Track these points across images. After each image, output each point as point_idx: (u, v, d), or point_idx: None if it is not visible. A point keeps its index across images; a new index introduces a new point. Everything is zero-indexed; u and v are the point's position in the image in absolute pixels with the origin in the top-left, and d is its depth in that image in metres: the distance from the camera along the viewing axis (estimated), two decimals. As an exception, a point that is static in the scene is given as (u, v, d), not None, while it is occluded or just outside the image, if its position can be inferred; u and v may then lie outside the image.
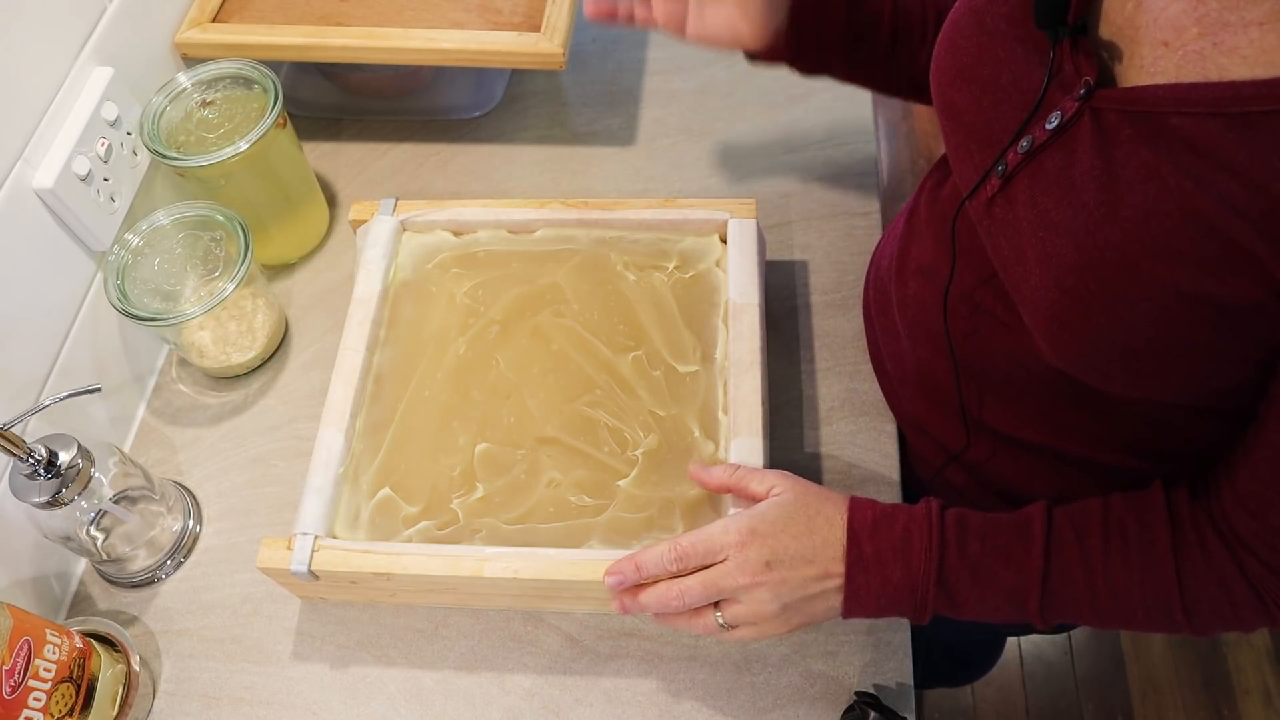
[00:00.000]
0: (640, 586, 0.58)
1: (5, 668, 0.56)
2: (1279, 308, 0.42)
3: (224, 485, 0.77)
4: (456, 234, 0.80)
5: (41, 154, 0.69)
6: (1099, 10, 0.48)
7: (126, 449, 0.78)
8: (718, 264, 0.76)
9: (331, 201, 0.92)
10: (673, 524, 0.65)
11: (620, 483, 0.67)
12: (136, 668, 0.67)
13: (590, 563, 0.62)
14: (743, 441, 0.65)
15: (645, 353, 0.72)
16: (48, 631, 0.60)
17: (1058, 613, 0.54)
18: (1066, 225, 0.47)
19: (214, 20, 0.87)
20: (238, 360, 0.80)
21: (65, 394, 0.64)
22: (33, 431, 0.65)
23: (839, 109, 0.93)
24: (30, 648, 0.58)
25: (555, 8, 0.86)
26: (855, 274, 0.82)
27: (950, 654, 1.15)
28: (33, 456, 0.61)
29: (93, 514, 0.66)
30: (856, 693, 0.62)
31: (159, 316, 0.71)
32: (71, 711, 0.61)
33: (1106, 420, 0.58)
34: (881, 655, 0.65)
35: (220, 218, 0.76)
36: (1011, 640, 1.55)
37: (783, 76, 0.97)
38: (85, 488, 0.63)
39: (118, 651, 0.67)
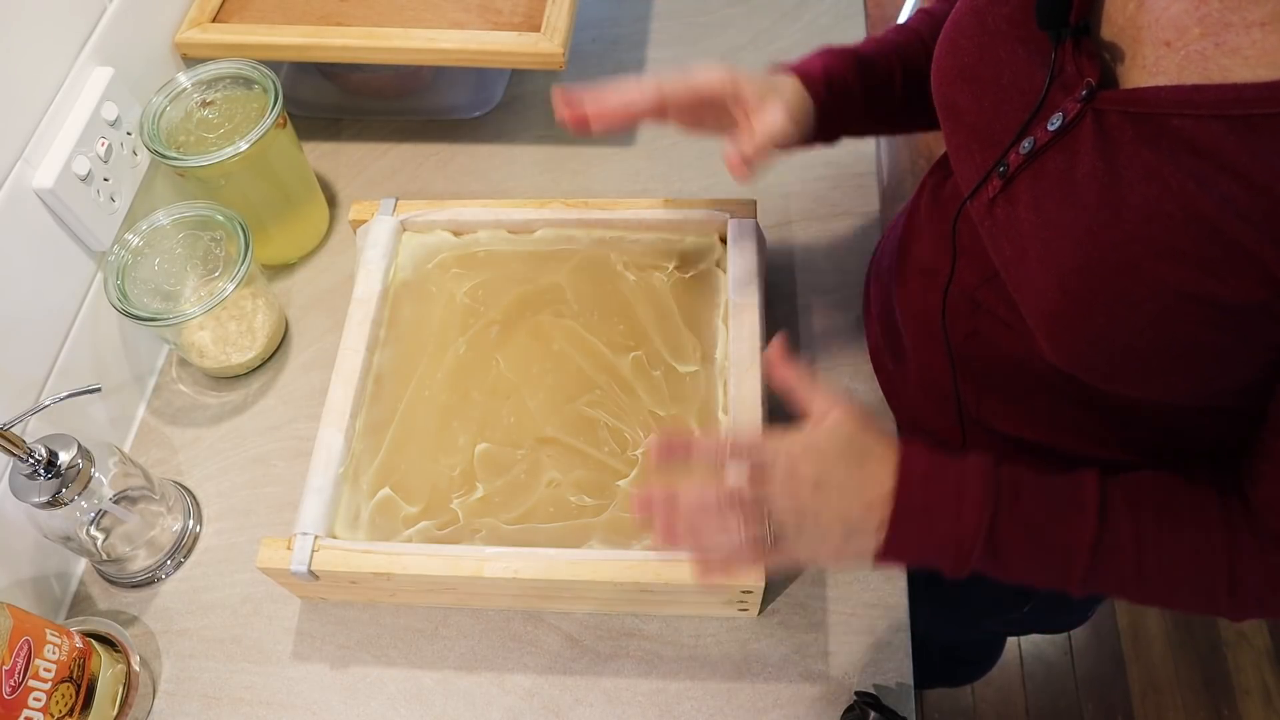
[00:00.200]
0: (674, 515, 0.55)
1: (5, 668, 0.56)
2: None
3: (224, 485, 0.77)
4: (456, 234, 0.80)
5: (41, 154, 0.69)
6: (1100, 11, 0.48)
7: (126, 449, 0.78)
8: (718, 264, 0.76)
9: (331, 201, 0.92)
10: (673, 524, 0.65)
11: (620, 483, 0.67)
12: (136, 668, 0.67)
13: (590, 563, 0.62)
14: (743, 441, 0.65)
15: (645, 353, 0.72)
16: (48, 631, 0.60)
17: (1100, 582, 0.52)
18: (1068, 226, 0.47)
19: (214, 20, 0.87)
20: (238, 360, 0.80)
21: (65, 394, 0.64)
22: (33, 431, 0.65)
23: (839, 109, 0.93)
24: (30, 648, 0.58)
25: (555, 8, 0.86)
26: (855, 274, 0.82)
27: (950, 654, 1.15)
28: (33, 456, 0.61)
29: (93, 514, 0.66)
30: (856, 693, 0.62)
31: (159, 316, 0.71)
32: (71, 711, 0.61)
33: (1107, 419, 0.58)
34: (881, 655, 0.65)
35: (220, 218, 0.76)
36: (1011, 640, 1.56)
37: (783, 76, 0.97)
38: (85, 488, 0.63)
39: (118, 651, 0.67)
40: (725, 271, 0.74)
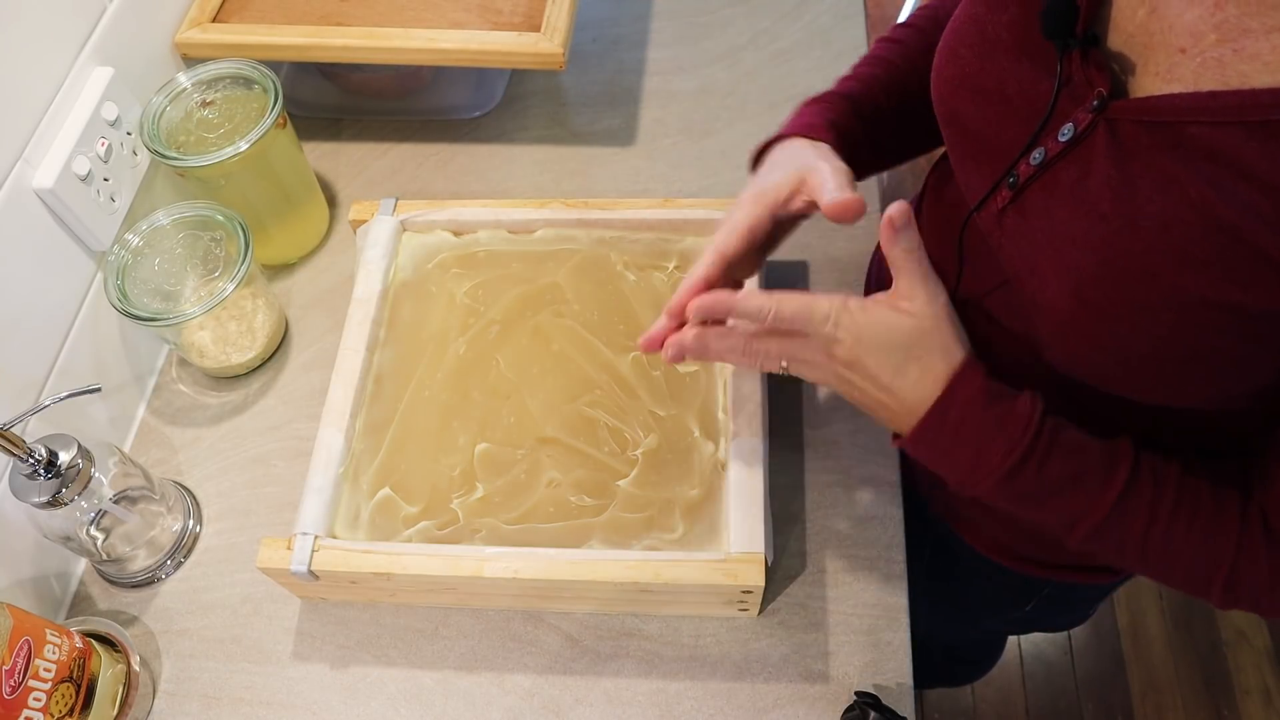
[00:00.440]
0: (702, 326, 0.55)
1: (5, 668, 0.56)
2: None
3: (224, 485, 0.77)
4: (456, 234, 0.80)
5: (41, 154, 0.69)
6: (1107, 19, 0.47)
7: (126, 449, 0.78)
8: (718, 264, 0.76)
9: (331, 201, 0.92)
10: (673, 524, 0.65)
11: (620, 483, 0.67)
12: (136, 668, 0.67)
13: (590, 563, 0.62)
14: (743, 441, 0.65)
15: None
16: (48, 631, 0.60)
17: (1098, 546, 0.53)
18: (1084, 236, 0.46)
19: (214, 20, 0.87)
20: (238, 360, 0.80)
21: (65, 394, 0.64)
22: (33, 431, 0.65)
23: (839, 109, 0.93)
24: (30, 648, 0.58)
25: (555, 8, 0.86)
26: (855, 274, 0.82)
27: (950, 654, 1.15)
28: (33, 456, 0.61)
29: (93, 514, 0.66)
30: (856, 693, 0.62)
31: (159, 316, 0.71)
32: (71, 711, 0.61)
33: (1116, 423, 0.58)
34: (881, 655, 0.65)
35: (220, 218, 0.76)
36: (1011, 640, 1.56)
37: (783, 76, 0.97)
38: (85, 488, 0.63)
39: (118, 651, 0.67)
40: (725, 271, 0.74)
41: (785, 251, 0.84)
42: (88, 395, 0.64)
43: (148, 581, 0.73)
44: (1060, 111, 0.48)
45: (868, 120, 0.65)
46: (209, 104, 0.80)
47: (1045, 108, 0.48)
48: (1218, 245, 0.41)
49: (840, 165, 0.58)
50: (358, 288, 0.75)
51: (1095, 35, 0.47)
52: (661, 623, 0.68)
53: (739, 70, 0.98)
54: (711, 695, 0.65)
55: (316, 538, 0.64)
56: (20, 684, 0.57)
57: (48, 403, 0.64)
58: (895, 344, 0.52)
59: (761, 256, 0.63)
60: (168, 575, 0.73)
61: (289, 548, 0.64)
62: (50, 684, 0.59)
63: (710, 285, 0.58)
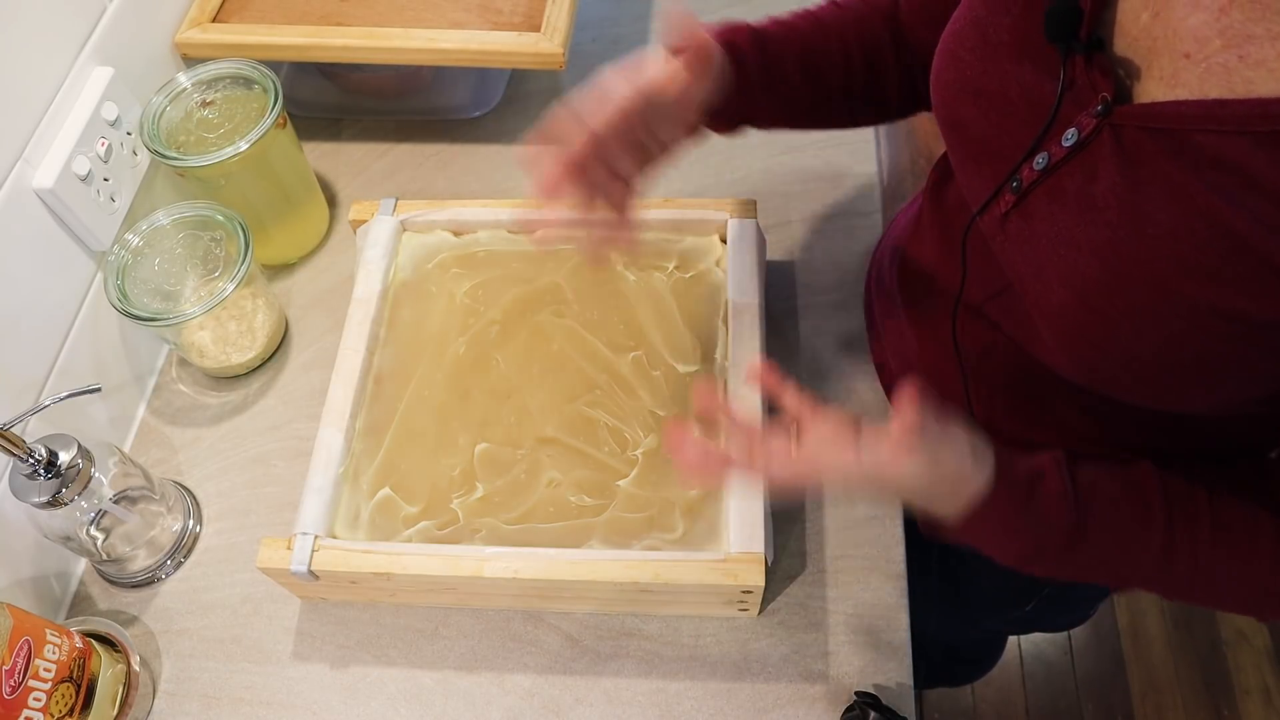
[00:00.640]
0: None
1: (5, 668, 0.56)
2: None
3: (224, 485, 0.77)
4: (456, 234, 0.80)
5: (41, 154, 0.69)
6: (1112, 23, 0.46)
7: (126, 449, 0.78)
8: (718, 264, 0.76)
9: (331, 201, 0.92)
10: (673, 524, 0.65)
11: (620, 483, 0.67)
12: (136, 668, 0.67)
13: (590, 563, 0.62)
14: (743, 441, 0.65)
15: (645, 353, 0.72)
16: (48, 631, 0.60)
17: (1143, 589, 0.54)
18: (1090, 243, 0.46)
19: (214, 20, 0.87)
20: (238, 360, 0.80)
21: (65, 394, 0.64)
22: (33, 431, 0.65)
23: (839, 109, 0.93)
24: (30, 648, 0.58)
25: (555, 8, 0.86)
26: (855, 274, 0.82)
27: (950, 654, 1.15)
28: (33, 456, 0.61)
29: (93, 514, 0.66)
30: (856, 693, 0.62)
31: (159, 316, 0.71)
32: (71, 711, 0.61)
33: (1120, 425, 0.58)
34: (881, 655, 0.65)
35: (220, 218, 0.76)
36: (1011, 640, 1.56)
37: (783, 76, 0.97)
38: (85, 488, 0.63)
39: (118, 651, 0.67)
40: (725, 271, 0.74)
41: (786, 252, 0.84)
42: (88, 395, 0.64)
43: (148, 581, 0.73)
44: (1063, 116, 0.47)
45: (768, 60, 0.63)
46: (209, 104, 0.80)
47: (1048, 112, 0.48)
48: (1226, 254, 0.41)
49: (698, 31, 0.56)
50: (358, 288, 0.75)
51: (1100, 39, 0.46)
52: (661, 623, 0.68)
53: (739, 70, 0.97)
54: (711, 695, 0.65)
55: (316, 538, 0.64)
56: (20, 684, 0.57)
57: (48, 403, 0.64)
58: (922, 482, 0.52)
59: (640, 156, 0.59)
60: (168, 575, 0.73)
61: (289, 548, 0.64)
62: (50, 684, 0.59)
63: (582, 169, 0.55)
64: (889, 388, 0.74)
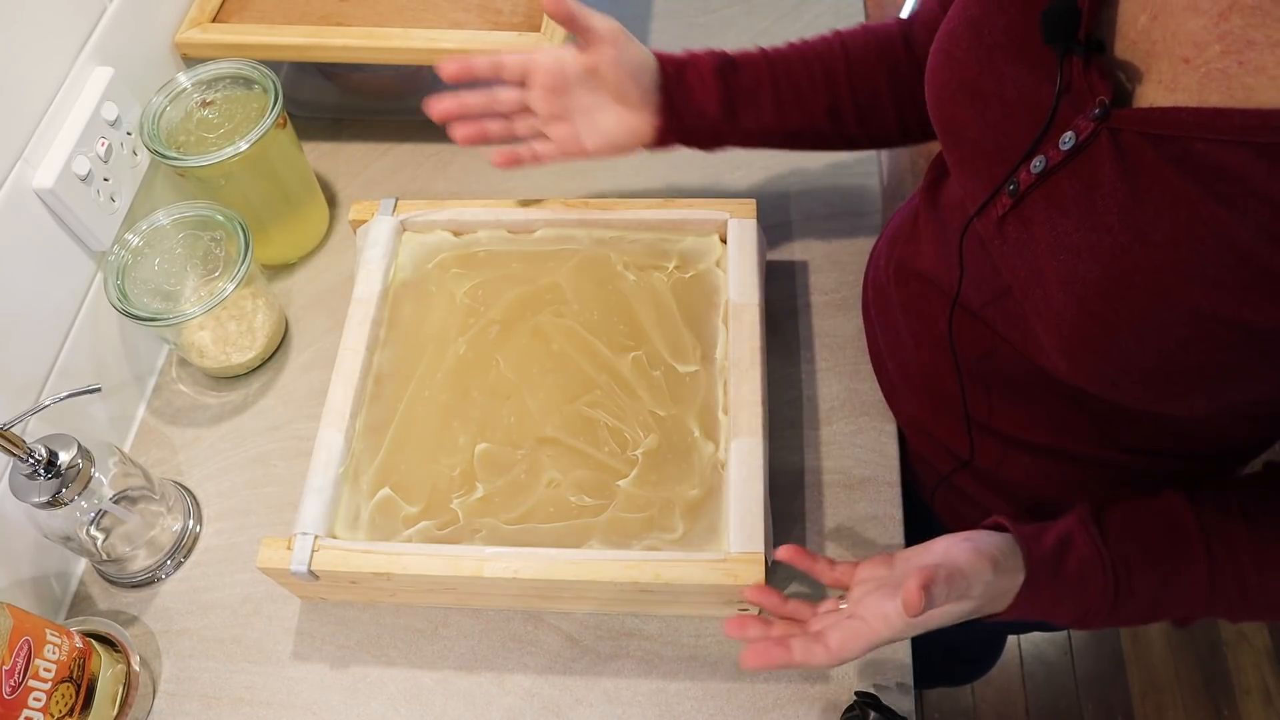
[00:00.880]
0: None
1: (5, 668, 0.56)
2: None
3: (224, 485, 0.77)
4: (456, 234, 0.80)
5: (41, 154, 0.69)
6: (1111, 24, 0.46)
7: (126, 449, 0.78)
8: (718, 264, 0.76)
9: (331, 201, 0.92)
10: (673, 524, 0.65)
11: (620, 483, 0.67)
12: (136, 668, 0.67)
13: (590, 563, 0.62)
14: (743, 442, 0.65)
15: (645, 353, 0.72)
16: (48, 631, 0.60)
17: (1205, 616, 0.55)
18: (1090, 248, 0.46)
19: (214, 20, 0.87)
20: (238, 360, 0.80)
21: (65, 394, 0.64)
22: (33, 431, 0.65)
23: (839, 109, 0.93)
24: (30, 648, 0.58)
25: (555, 8, 0.86)
26: (855, 274, 0.82)
27: (950, 654, 1.15)
28: (33, 456, 0.61)
29: (93, 514, 0.66)
30: (856, 693, 0.62)
31: (159, 316, 0.71)
32: (71, 711, 0.61)
33: (1122, 426, 0.58)
34: (881, 655, 0.65)
35: (220, 218, 0.76)
36: (1011, 640, 1.56)
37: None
38: (85, 488, 0.63)
39: (118, 651, 0.67)
40: (725, 271, 0.74)
41: (786, 252, 0.84)
42: (88, 395, 0.64)
43: (148, 581, 0.73)
44: (1061, 119, 0.47)
45: (731, 83, 0.69)
46: (209, 104, 0.80)
47: (1045, 114, 0.47)
48: (1228, 263, 0.41)
49: (608, 23, 0.66)
50: (358, 288, 0.75)
51: (1099, 41, 0.45)
52: (661, 623, 0.68)
53: (739, 70, 0.97)
54: (711, 695, 0.65)
55: (316, 538, 0.64)
56: (20, 684, 0.57)
57: (48, 403, 0.64)
58: (968, 611, 0.54)
59: (554, 106, 0.70)
60: (168, 575, 0.73)
61: (289, 548, 0.64)
62: (50, 684, 0.59)
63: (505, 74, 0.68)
64: (888, 388, 0.74)
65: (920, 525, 0.73)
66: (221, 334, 0.80)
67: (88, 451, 0.64)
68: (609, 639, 0.68)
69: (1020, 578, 0.53)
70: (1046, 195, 0.48)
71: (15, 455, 0.60)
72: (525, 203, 0.79)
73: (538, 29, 0.85)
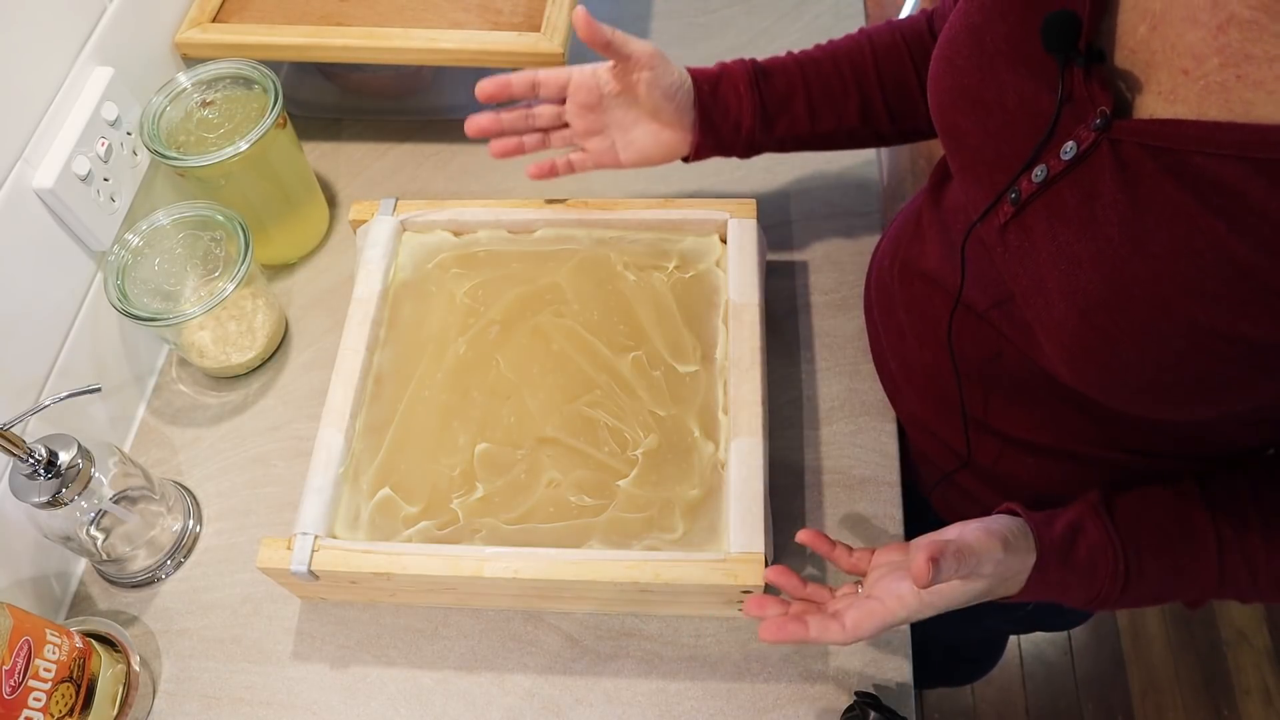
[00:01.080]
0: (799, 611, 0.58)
1: (5, 668, 0.56)
2: None
3: (224, 485, 0.77)
4: (456, 234, 0.80)
5: (41, 154, 0.69)
6: (1111, 34, 0.46)
7: (126, 449, 0.78)
8: (718, 264, 0.76)
9: (331, 201, 0.92)
10: (673, 524, 0.65)
11: (620, 483, 0.67)
12: (136, 668, 0.67)
13: (590, 563, 0.62)
14: (743, 442, 0.65)
15: (645, 353, 0.72)
16: (48, 631, 0.60)
17: (1216, 599, 0.55)
18: (1091, 259, 0.46)
19: (214, 20, 0.87)
20: (238, 360, 0.80)
21: (65, 394, 0.64)
22: (33, 431, 0.65)
23: (839, 109, 0.93)
24: (30, 648, 0.58)
25: (555, 8, 0.86)
26: (855, 274, 0.82)
27: (950, 654, 1.15)
28: (33, 456, 0.61)
29: (93, 514, 0.66)
30: (856, 693, 0.62)
31: (159, 316, 0.71)
32: (71, 711, 0.61)
33: (1125, 428, 0.58)
34: (881, 655, 0.65)
35: (220, 218, 0.76)
36: (1011, 640, 1.56)
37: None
38: (85, 488, 0.63)
39: (118, 651, 0.67)
40: (725, 271, 0.74)
41: (787, 252, 0.84)
42: (88, 395, 0.64)
43: (148, 581, 0.73)
44: (1062, 128, 0.46)
45: (766, 90, 0.70)
46: (209, 104, 0.80)
47: (1047, 123, 0.47)
48: (1227, 278, 0.41)
49: (644, 46, 0.66)
50: (358, 288, 0.75)
51: (1100, 50, 0.45)
52: (661, 623, 0.68)
53: (739, 70, 0.97)
54: (711, 695, 0.65)
55: (316, 538, 0.64)
56: (20, 684, 0.57)
57: (48, 403, 0.64)
58: (981, 591, 0.55)
59: (590, 123, 0.71)
60: (168, 575, 0.73)
61: (289, 548, 0.64)
62: (50, 684, 0.59)
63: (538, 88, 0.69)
64: (890, 387, 0.74)
65: (921, 525, 0.73)
66: (221, 334, 0.80)
67: (88, 451, 0.64)
68: (609, 639, 0.68)
69: (1031, 559, 0.54)
70: (1048, 204, 0.48)
71: (15, 455, 0.60)
72: (525, 203, 0.79)
73: (538, 29, 0.85)
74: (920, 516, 0.74)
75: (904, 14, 2.09)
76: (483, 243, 0.79)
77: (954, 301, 0.61)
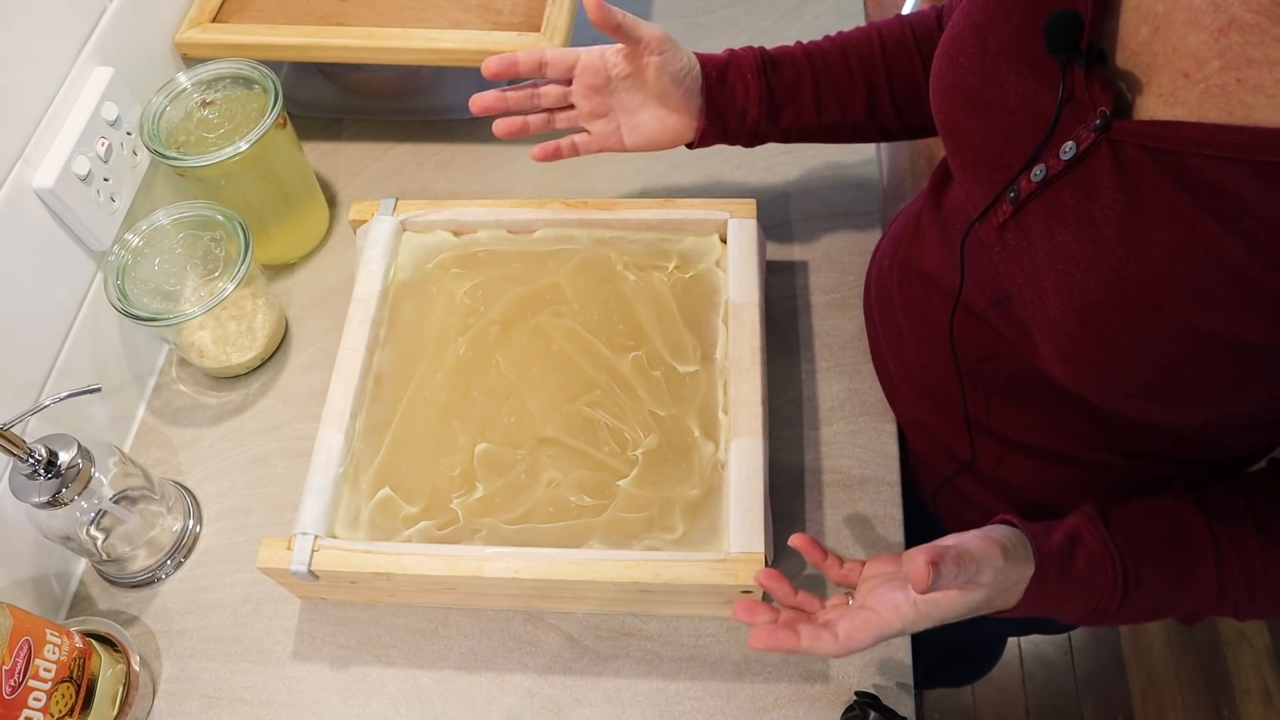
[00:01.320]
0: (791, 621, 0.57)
1: (5, 668, 0.56)
2: None
3: (224, 485, 0.77)
4: (456, 234, 0.80)
5: (41, 154, 0.69)
6: (1113, 35, 0.46)
7: (126, 449, 0.78)
8: (718, 264, 0.76)
9: (331, 201, 0.92)
10: (673, 524, 0.65)
11: (620, 483, 0.67)
12: (136, 668, 0.67)
13: (590, 563, 0.62)
14: (743, 442, 0.65)
15: (645, 353, 0.72)
16: (48, 631, 0.60)
17: (1214, 615, 0.55)
18: (1088, 259, 0.46)
19: (214, 20, 0.87)
20: (238, 360, 0.80)
21: (65, 394, 0.64)
22: (33, 431, 0.65)
23: (839, 109, 0.93)
24: (30, 648, 0.58)
25: (555, 8, 0.86)
26: (855, 274, 0.82)
27: (950, 654, 1.15)
28: (33, 456, 0.61)
29: (93, 514, 0.66)
30: (856, 693, 0.62)
31: (159, 316, 0.71)
32: (71, 711, 0.61)
33: (1121, 430, 0.58)
34: (881, 655, 0.65)
35: (220, 218, 0.76)
36: (1011, 640, 1.56)
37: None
38: (85, 488, 0.63)
39: (118, 651, 0.67)
40: (725, 271, 0.74)
41: (787, 252, 0.84)
42: (88, 395, 0.64)
43: (148, 581, 0.73)
44: (1062, 128, 0.47)
45: (774, 80, 0.70)
46: (209, 104, 0.80)
47: (1047, 123, 0.47)
48: (1223, 281, 0.41)
49: (654, 30, 0.67)
50: (358, 288, 0.75)
51: (1102, 51, 0.45)
52: (661, 623, 0.68)
53: (739, 70, 0.97)
54: (711, 695, 0.65)
55: (316, 538, 0.64)
56: (20, 684, 0.57)
57: (48, 403, 0.64)
58: (979, 602, 0.54)
59: (595, 103, 0.70)
60: (168, 575, 0.73)
61: (289, 548, 0.64)
62: (50, 684, 0.59)
63: (551, 69, 0.69)
64: (889, 388, 0.74)
65: (921, 526, 0.73)
66: (221, 334, 0.80)
67: (88, 451, 0.64)
68: (609, 639, 0.68)
69: (1030, 569, 0.53)
70: (1046, 204, 0.48)
71: (15, 455, 0.60)
72: (525, 203, 0.79)
73: (538, 29, 0.85)
74: (920, 518, 0.74)
75: (905, 13, 2.09)
76: (483, 243, 0.79)
77: (953, 302, 0.61)
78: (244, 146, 0.75)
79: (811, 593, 0.59)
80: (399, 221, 0.79)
